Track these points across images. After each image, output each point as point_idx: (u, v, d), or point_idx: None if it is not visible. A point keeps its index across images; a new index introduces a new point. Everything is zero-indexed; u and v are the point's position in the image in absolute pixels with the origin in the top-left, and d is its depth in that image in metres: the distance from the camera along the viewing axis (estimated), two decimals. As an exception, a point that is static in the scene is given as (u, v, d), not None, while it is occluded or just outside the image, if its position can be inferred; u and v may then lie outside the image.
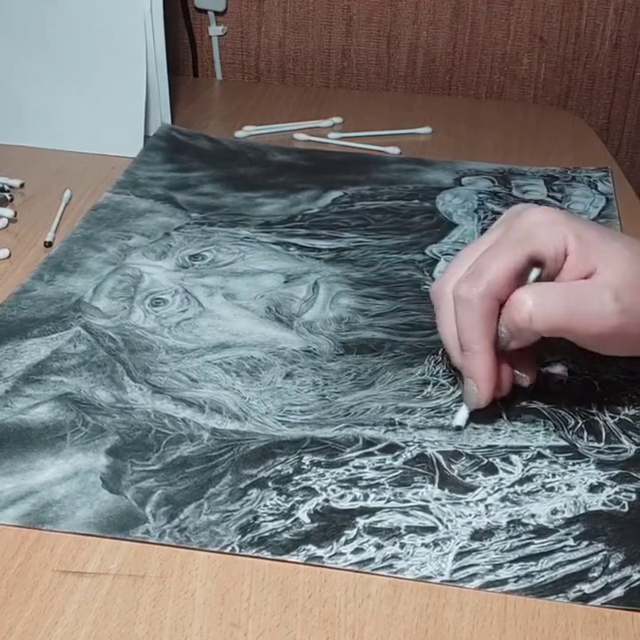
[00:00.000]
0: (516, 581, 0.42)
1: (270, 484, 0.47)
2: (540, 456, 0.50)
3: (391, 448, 0.50)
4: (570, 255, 0.49)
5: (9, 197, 0.76)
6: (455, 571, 0.43)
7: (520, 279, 0.49)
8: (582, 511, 0.46)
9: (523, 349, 0.51)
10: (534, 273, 0.49)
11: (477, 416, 0.52)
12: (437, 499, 0.47)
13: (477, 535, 0.45)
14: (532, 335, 0.49)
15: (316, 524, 0.45)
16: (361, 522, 0.45)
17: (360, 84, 1.13)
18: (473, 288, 0.48)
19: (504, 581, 0.43)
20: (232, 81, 1.14)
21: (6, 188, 0.78)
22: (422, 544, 0.44)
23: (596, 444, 0.51)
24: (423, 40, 1.10)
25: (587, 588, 0.42)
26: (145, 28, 0.86)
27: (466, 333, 0.50)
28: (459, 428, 0.51)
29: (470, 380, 0.50)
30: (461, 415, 0.51)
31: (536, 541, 0.45)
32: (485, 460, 0.49)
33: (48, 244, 0.70)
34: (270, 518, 0.45)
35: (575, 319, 0.48)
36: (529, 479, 0.48)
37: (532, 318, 0.48)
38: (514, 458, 0.50)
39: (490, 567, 0.43)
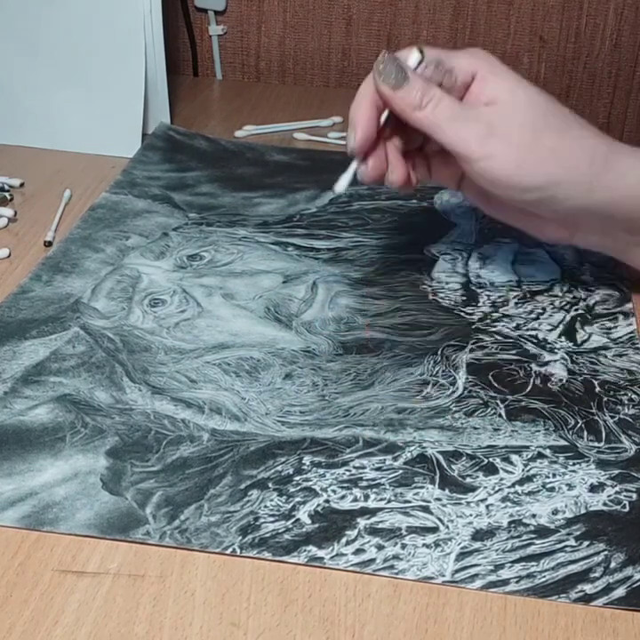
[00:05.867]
0: (517, 582, 0.42)
1: (270, 484, 0.47)
2: (541, 456, 0.50)
3: (391, 448, 0.50)
4: (475, 81, 0.55)
5: (9, 197, 0.76)
6: (456, 571, 0.43)
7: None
8: (583, 511, 0.46)
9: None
10: (414, 56, 0.54)
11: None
12: (438, 499, 0.47)
13: (478, 535, 0.45)
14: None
15: (316, 525, 0.45)
16: (362, 522, 0.45)
17: (360, 83, 1.13)
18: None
19: (505, 582, 0.42)
20: (232, 80, 1.14)
21: (6, 187, 0.78)
22: (423, 544, 0.44)
23: (596, 444, 0.51)
24: (423, 40, 1.10)
25: (588, 588, 0.42)
26: (144, 28, 0.86)
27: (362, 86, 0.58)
28: (336, 195, 0.55)
29: (351, 128, 0.56)
30: (343, 182, 0.56)
31: (537, 542, 0.44)
32: (485, 460, 0.49)
33: (48, 244, 0.70)
34: (271, 519, 0.45)
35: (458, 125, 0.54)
36: (529, 479, 0.48)
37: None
38: (514, 458, 0.49)
39: (491, 567, 0.43)
